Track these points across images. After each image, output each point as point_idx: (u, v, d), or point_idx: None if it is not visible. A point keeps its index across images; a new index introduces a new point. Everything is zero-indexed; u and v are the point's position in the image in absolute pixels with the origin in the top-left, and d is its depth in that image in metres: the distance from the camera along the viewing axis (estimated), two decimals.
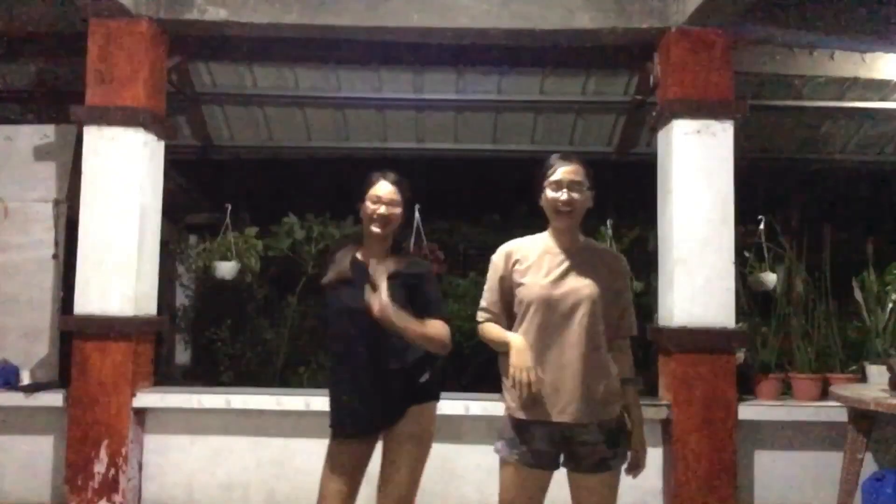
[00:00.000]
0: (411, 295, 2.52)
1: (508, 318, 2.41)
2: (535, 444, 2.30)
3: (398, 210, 2.56)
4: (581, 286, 2.31)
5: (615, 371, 2.34)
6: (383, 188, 2.56)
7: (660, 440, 3.76)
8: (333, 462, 2.57)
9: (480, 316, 2.48)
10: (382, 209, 2.53)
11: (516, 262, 2.41)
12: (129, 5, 3.77)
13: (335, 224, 5.23)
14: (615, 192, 4.94)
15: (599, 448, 2.28)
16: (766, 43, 4.39)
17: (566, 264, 2.35)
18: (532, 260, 2.39)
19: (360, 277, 2.47)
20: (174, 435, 3.91)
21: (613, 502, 2.34)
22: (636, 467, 2.36)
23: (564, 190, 2.32)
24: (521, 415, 2.31)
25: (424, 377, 2.56)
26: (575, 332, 2.28)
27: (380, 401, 2.51)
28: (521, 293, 2.35)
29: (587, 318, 2.29)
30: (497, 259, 2.45)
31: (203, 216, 6.28)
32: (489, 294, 2.46)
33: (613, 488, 2.33)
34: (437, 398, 2.63)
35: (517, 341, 2.30)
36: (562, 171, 2.34)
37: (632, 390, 2.41)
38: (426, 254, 5.09)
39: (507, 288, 2.41)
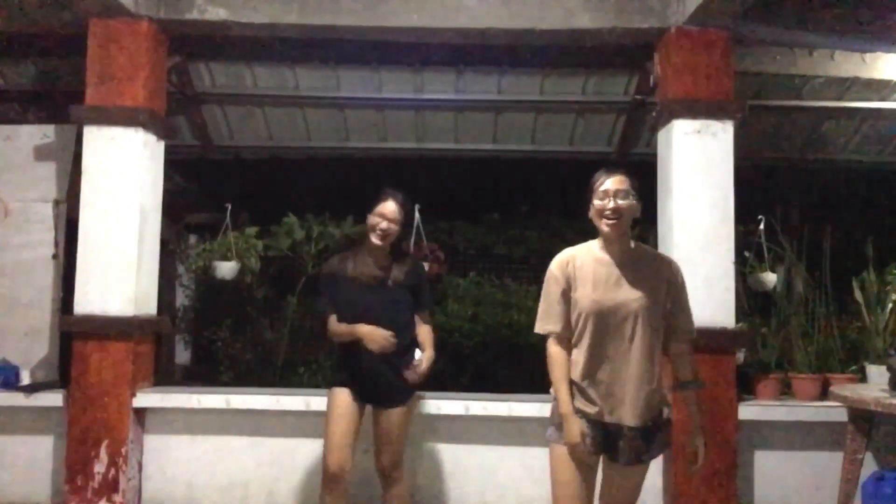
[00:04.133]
0: (413, 293, 3.14)
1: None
2: (582, 426, 2.43)
3: (397, 227, 3.06)
4: (631, 297, 2.40)
5: (663, 377, 2.47)
6: (389, 207, 3.04)
7: None
8: (346, 413, 3.05)
9: (548, 336, 2.51)
10: (384, 224, 3.02)
11: (574, 270, 2.48)
12: (129, 5, 3.77)
13: (335, 224, 5.23)
14: None
15: (636, 443, 2.41)
16: (766, 43, 4.39)
17: (616, 274, 2.43)
18: (585, 270, 2.47)
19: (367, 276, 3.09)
20: (174, 435, 3.91)
21: (638, 493, 2.55)
22: (695, 463, 2.52)
23: (611, 198, 2.40)
24: (581, 409, 2.46)
25: (416, 360, 3.10)
26: (626, 342, 2.39)
27: (386, 384, 3.07)
28: (576, 303, 2.45)
29: (638, 328, 2.39)
30: (555, 270, 2.51)
31: (203, 216, 6.29)
32: (552, 312, 2.50)
33: (641, 480, 2.53)
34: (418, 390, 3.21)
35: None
36: (609, 181, 2.42)
37: (692, 394, 2.55)
38: (426, 254, 5.09)
39: (569, 299, 2.48)
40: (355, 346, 3.03)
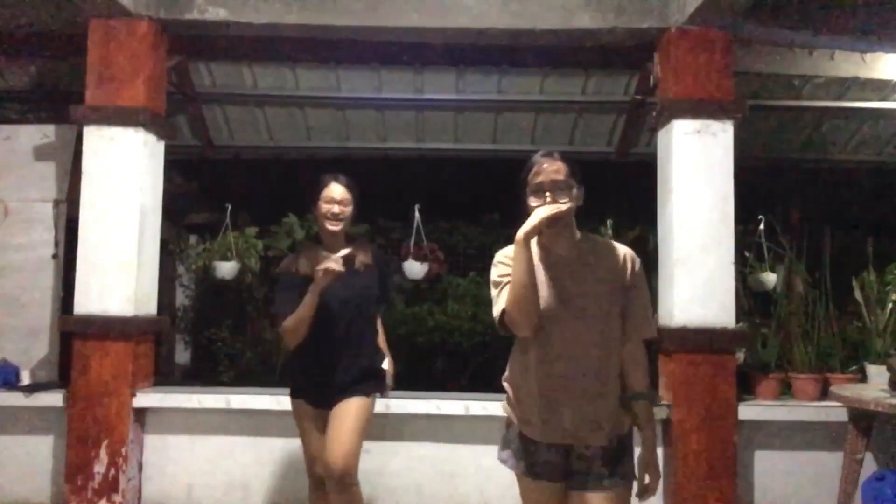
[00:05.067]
0: (380, 279, 2.99)
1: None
2: (540, 454, 2.17)
3: (350, 208, 2.90)
4: (578, 297, 2.12)
5: (616, 384, 2.15)
6: (336, 190, 2.88)
7: (660, 440, 3.76)
8: (311, 424, 2.90)
9: (499, 311, 2.16)
10: (336, 208, 2.87)
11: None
12: (128, 5, 3.76)
13: None
14: (615, 192, 4.95)
15: (595, 464, 2.11)
16: (766, 43, 4.39)
17: (562, 271, 2.15)
18: None
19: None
20: (174, 435, 3.91)
21: None
22: (645, 492, 2.17)
23: (547, 194, 2.12)
24: (525, 431, 2.19)
25: (381, 363, 3.00)
26: (577, 347, 2.10)
27: (342, 378, 2.85)
28: None
29: (590, 332, 2.11)
30: (501, 258, 2.23)
31: (203, 216, 6.28)
32: (500, 276, 2.19)
33: None
34: (381, 393, 3.00)
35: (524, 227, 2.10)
36: (542, 171, 2.14)
37: (644, 406, 2.18)
38: (426, 254, 5.09)
39: None
40: (307, 347, 2.81)
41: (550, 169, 2.14)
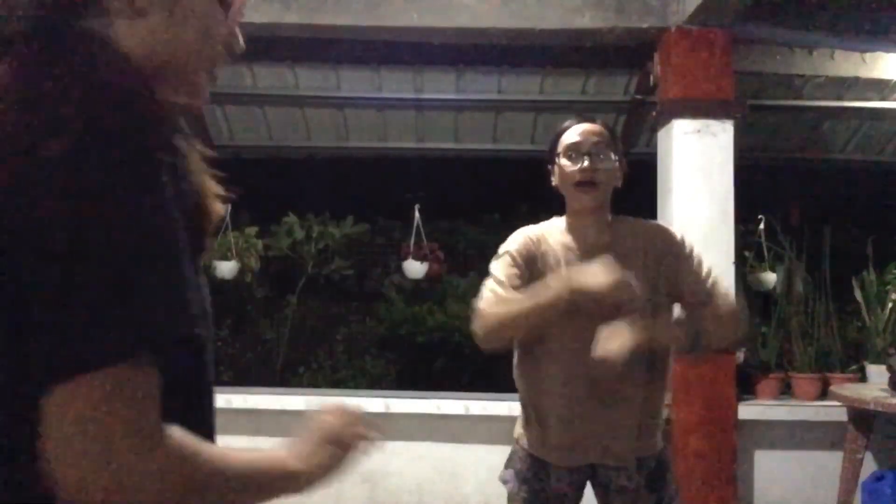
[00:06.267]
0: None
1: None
2: (552, 482, 1.83)
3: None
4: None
5: (667, 397, 1.87)
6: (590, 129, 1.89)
7: None
8: None
9: (486, 302, 1.81)
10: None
11: (541, 254, 1.83)
12: None
13: (335, 224, 5.24)
14: (615, 191, 4.93)
15: (642, 494, 1.80)
16: (766, 43, 4.39)
17: (594, 261, 1.73)
18: (554, 256, 1.83)
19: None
20: None
21: None
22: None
23: (585, 157, 1.76)
24: (538, 453, 1.85)
25: None
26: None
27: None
28: None
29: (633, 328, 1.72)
30: (515, 248, 1.85)
31: None
32: (503, 274, 1.83)
33: None
34: None
35: (566, 277, 1.65)
36: (579, 131, 1.80)
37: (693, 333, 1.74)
38: (426, 253, 5.10)
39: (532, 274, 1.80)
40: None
41: (590, 131, 1.80)
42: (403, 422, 3.83)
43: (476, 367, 5.30)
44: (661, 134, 3.98)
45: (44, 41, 0.69)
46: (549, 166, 1.88)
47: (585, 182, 1.77)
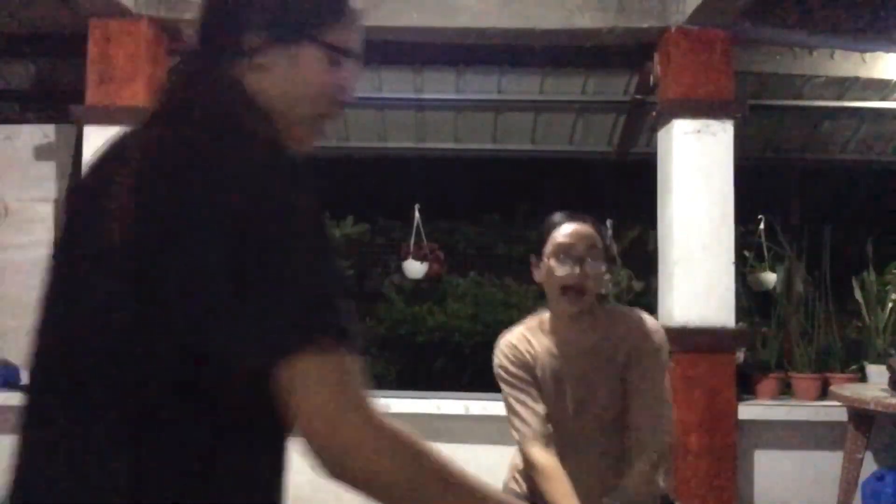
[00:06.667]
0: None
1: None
2: None
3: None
4: (593, 403, 1.76)
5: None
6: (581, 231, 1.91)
7: None
8: None
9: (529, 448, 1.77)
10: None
11: (533, 358, 1.83)
12: (129, 5, 3.76)
13: (335, 224, 5.24)
14: (615, 192, 4.95)
15: None
16: (766, 43, 4.39)
17: (574, 367, 1.78)
18: (542, 362, 1.81)
19: None
20: None
21: None
22: None
23: (574, 263, 1.71)
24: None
25: None
26: (592, 459, 1.77)
27: None
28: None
29: (604, 440, 1.77)
30: (503, 359, 1.84)
31: None
32: (522, 410, 1.80)
33: None
34: None
35: None
36: (571, 232, 1.75)
37: None
38: (426, 253, 5.10)
39: (536, 389, 1.80)
40: None
41: (584, 235, 1.74)
42: (403, 422, 3.82)
43: (476, 367, 5.29)
44: (661, 134, 3.98)
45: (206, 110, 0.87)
46: (534, 258, 1.82)
47: (573, 288, 1.72)
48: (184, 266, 0.77)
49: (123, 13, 3.79)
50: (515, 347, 1.82)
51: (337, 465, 0.81)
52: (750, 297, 4.31)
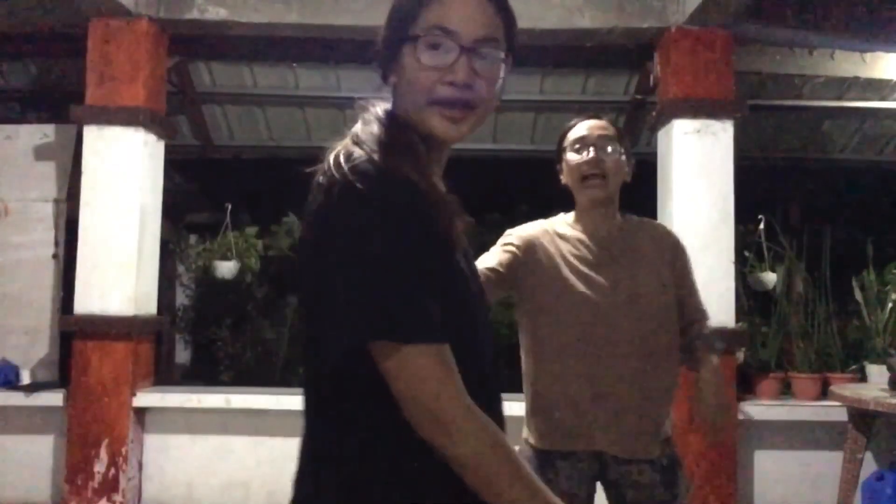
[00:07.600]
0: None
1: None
2: (560, 483, 1.77)
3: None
4: (627, 284, 1.78)
5: (674, 387, 1.84)
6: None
7: None
8: None
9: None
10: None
11: (539, 248, 1.84)
12: (128, 5, 3.76)
13: None
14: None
15: (657, 492, 1.77)
16: (766, 43, 4.39)
17: (604, 256, 1.81)
18: (555, 250, 1.83)
19: None
20: (174, 434, 3.91)
21: None
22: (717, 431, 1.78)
23: (591, 148, 1.77)
24: (544, 444, 1.82)
25: None
26: (622, 345, 1.75)
27: None
28: (541, 300, 1.83)
29: (638, 323, 1.76)
30: (514, 238, 1.88)
31: (203, 216, 6.28)
32: (486, 255, 1.86)
33: None
34: None
35: None
36: (585, 126, 1.81)
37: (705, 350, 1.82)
38: None
39: (513, 275, 1.83)
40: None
41: (596, 125, 1.82)
42: None
43: None
44: (661, 134, 3.98)
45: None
46: (557, 166, 1.90)
47: (593, 174, 1.79)
48: (306, 288, 1.03)
49: (123, 13, 3.79)
50: (532, 232, 1.89)
51: (438, 447, 0.92)
52: (750, 297, 4.31)
